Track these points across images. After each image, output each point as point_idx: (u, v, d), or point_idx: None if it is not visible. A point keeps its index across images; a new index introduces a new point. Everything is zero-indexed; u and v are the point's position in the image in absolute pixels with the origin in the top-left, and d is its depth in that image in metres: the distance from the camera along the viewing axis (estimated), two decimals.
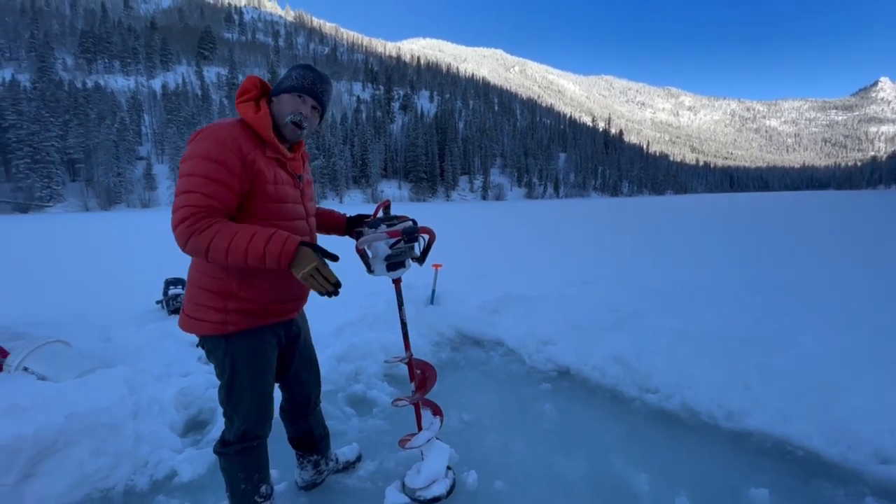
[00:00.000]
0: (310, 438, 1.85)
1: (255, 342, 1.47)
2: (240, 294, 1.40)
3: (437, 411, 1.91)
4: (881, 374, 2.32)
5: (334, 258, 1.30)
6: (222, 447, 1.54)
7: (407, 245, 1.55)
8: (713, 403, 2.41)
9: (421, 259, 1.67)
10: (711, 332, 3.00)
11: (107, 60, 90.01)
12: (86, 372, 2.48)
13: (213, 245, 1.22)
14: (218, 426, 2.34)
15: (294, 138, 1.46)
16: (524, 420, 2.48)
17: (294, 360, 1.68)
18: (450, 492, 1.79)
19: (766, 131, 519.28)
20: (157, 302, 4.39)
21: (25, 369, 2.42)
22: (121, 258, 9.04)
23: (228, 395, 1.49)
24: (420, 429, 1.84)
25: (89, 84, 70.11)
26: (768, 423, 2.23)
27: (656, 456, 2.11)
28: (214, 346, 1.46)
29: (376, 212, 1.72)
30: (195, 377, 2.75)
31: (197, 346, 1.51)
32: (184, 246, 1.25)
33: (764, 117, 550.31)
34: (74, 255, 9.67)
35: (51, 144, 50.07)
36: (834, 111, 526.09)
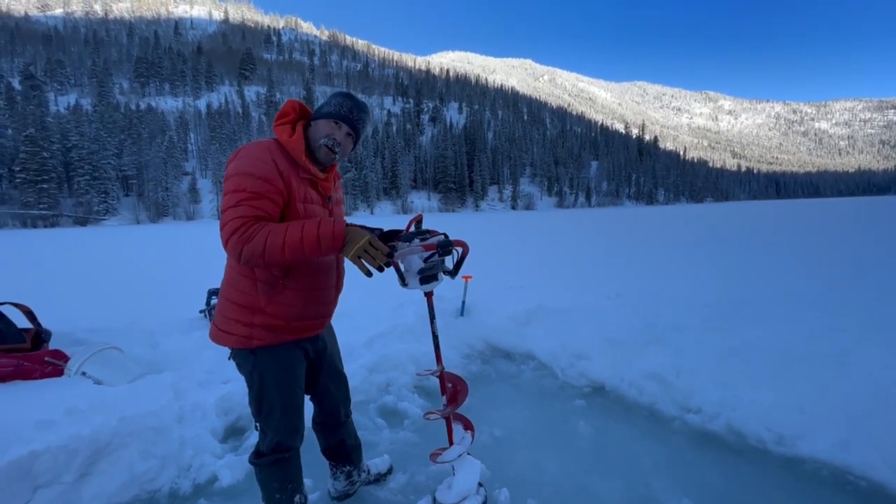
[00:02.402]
0: (342, 449, 1.88)
1: (283, 357, 1.51)
2: (267, 310, 1.44)
3: (468, 426, 1.90)
4: None
5: (380, 230, 1.41)
6: (256, 458, 1.59)
7: (439, 259, 1.57)
8: (762, 426, 2.26)
9: (453, 272, 1.68)
10: (759, 348, 2.83)
11: (158, 83, 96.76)
12: (136, 377, 2.64)
13: (268, 244, 1.26)
14: (255, 433, 2.41)
15: (327, 161, 1.52)
16: (557, 437, 2.41)
17: (322, 374, 1.72)
18: None
19: (816, 134, 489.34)
20: (201, 311, 4.61)
21: (83, 374, 2.60)
22: (167, 268, 9.59)
23: (258, 409, 1.54)
24: (451, 443, 1.83)
25: (142, 106, 75.54)
26: (825, 449, 2.07)
27: (699, 481, 2.00)
28: (244, 359, 1.51)
29: (408, 226, 1.74)
30: (234, 384, 2.85)
31: (228, 358, 1.57)
32: (238, 256, 1.29)
33: (812, 119, 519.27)
34: (126, 265, 10.33)
35: (108, 162, 54.07)
36: (892, 111, 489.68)
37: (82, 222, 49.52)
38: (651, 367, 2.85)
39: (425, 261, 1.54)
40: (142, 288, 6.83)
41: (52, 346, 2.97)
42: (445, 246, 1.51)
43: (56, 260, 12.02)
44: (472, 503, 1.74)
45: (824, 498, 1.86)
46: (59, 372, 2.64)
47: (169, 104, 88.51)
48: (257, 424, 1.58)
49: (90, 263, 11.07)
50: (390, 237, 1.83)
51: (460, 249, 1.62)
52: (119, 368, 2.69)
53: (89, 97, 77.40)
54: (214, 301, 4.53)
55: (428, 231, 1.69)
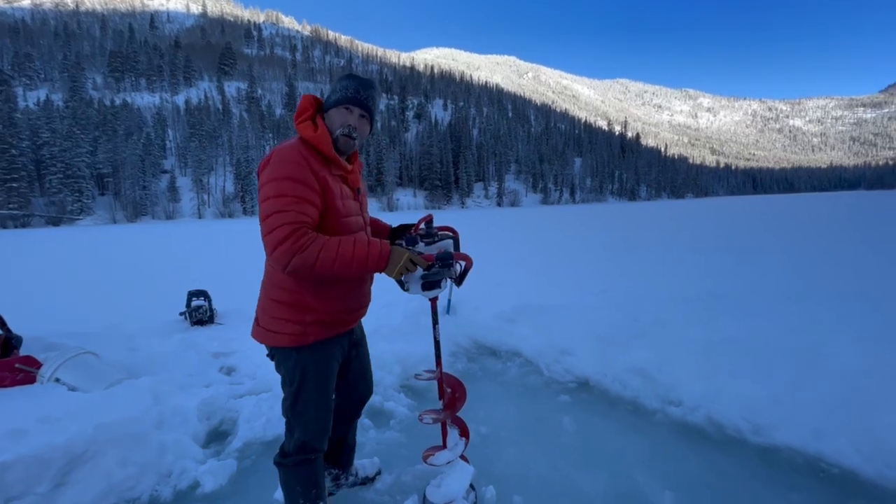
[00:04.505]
0: (340, 447, 1.88)
1: (325, 353, 1.52)
2: (315, 306, 1.45)
3: (464, 433, 1.85)
4: None
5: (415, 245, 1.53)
6: (282, 458, 1.58)
7: (443, 267, 1.49)
8: (740, 417, 2.32)
9: (458, 282, 1.63)
10: (738, 342, 2.91)
11: (134, 79, 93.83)
12: (113, 383, 2.56)
13: (321, 257, 1.27)
14: (238, 437, 2.37)
15: (348, 150, 1.49)
16: (543, 433, 2.44)
17: (352, 366, 1.74)
18: None
19: (790, 131, 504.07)
20: (181, 313, 4.50)
21: (57, 380, 2.51)
22: (145, 270, 9.33)
23: (293, 405, 1.52)
24: (444, 446, 1.82)
25: (117, 101, 73.23)
26: (799, 438, 2.14)
27: (681, 472, 2.04)
28: (286, 357, 1.49)
29: (417, 225, 1.69)
30: (217, 388, 2.80)
31: (267, 355, 1.57)
32: (286, 265, 1.27)
33: (787, 117, 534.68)
34: (102, 267, 10.03)
35: (81, 160, 52.28)
36: (862, 109, 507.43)
37: (55, 222, 47.83)
38: (635, 362, 2.91)
39: (427, 268, 1.48)
40: (119, 290, 6.63)
41: (23, 352, 2.87)
42: (445, 259, 1.45)
43: (27, 262, 11.59)
44: None
45: (799, 485, 1.93)
46: (31, 379, 2.55)
47: (145, 100, 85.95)
48: (288, 421, 1.57)
49: (64, 265, 10.69)
50: (401, 232, 1.80)
51: (464, 263, 1.55)
52: (95, 374, 2.61)
53: (60, 92, 74.64)
54: (195, 303, 4.43)
55: (437, 233, 1.64)
